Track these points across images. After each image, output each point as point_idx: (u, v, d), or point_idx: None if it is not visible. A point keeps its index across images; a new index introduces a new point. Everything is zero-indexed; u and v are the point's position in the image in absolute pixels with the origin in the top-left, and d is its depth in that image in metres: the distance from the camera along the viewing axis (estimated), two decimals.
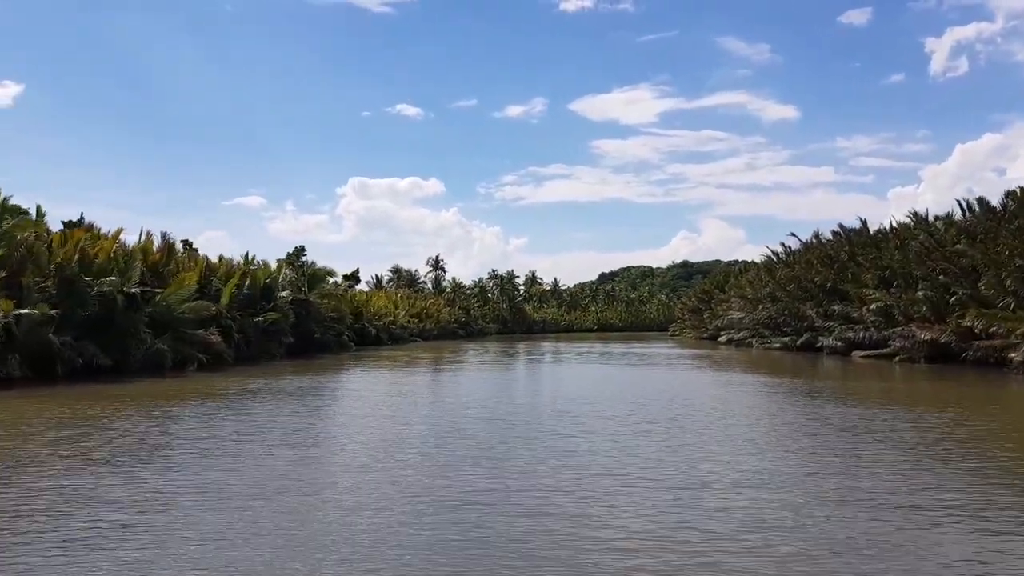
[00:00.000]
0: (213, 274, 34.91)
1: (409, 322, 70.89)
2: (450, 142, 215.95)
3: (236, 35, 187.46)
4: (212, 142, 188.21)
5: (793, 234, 61.06)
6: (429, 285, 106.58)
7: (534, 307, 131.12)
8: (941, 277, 34.66)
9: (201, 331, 29.44)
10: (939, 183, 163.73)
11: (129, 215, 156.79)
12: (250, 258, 43.91)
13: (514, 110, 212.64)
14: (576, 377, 28.75)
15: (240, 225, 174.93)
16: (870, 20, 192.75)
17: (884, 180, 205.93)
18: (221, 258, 39.54)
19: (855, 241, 47.03)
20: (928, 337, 32.89)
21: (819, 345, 43.69)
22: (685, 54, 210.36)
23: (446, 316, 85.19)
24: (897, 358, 35.03)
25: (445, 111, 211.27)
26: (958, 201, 38.36)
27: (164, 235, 32.41)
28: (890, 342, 36.54)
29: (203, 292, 32.81)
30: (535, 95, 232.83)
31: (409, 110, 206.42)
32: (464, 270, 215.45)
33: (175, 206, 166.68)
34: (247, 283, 37.77)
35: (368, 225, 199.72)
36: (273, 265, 49.30)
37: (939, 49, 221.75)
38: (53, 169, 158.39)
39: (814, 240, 54.56)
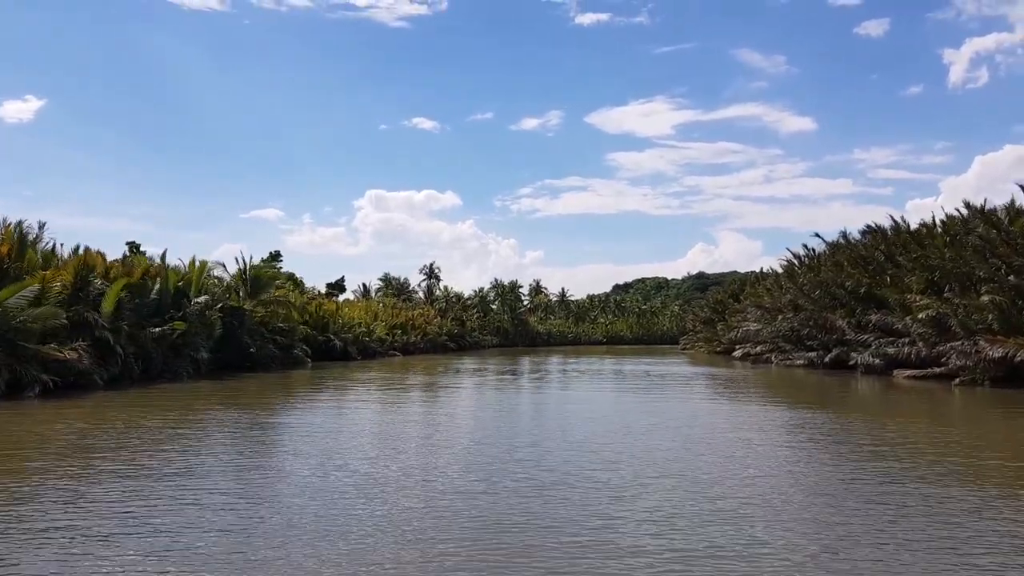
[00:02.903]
0: (100, 275, 28.17)
1: (389, 334, 64.00)
2: (466, 155, 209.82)
3: (253, 50, 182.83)
4: (230, 156, 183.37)
5: (817, 234, 53.34)
6: (421, 294, 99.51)
7: (539, 319, 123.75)
8: (1012, 278, 27.35)
9: (51, 345, 22.69)
10: (958, 194, 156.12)
11: (149, 227, 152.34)
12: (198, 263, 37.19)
13: (530, 123, 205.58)
14: (588, 421, 21.82)
15: (259, 238, 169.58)
16: (887, 31, 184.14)
17: (902, 192, 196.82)
18: (127, 256, 32.91)
19: (892, 239, 39.67)
20: (998, 354, 25.52)
21: (852, 362, 36.29)
22: (701, 67, 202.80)
23: (435, 328, 78.14)
24: (957, 380, 27.70)
25: (461, 124, 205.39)
26: (1021, 186, 31.05)
27: (20, 224, 25.81)
28: (945, 359, 29.20)
29: (79, 296, 26.18)
30: (551, 108, 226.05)
31: (426, 123, 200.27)
32: (478, 283, 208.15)
33: (194, 219, 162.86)
34: (155, 287, 31.15)
35: (385, 238, 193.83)
36: (228, 269, 42.76)
37: (958, 60, 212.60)
38: (72, 182, 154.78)
39: (842, 240, 47.24)
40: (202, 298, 32.64)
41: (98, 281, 27.49)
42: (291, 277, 60.98)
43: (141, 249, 50.10)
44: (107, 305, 26.72)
